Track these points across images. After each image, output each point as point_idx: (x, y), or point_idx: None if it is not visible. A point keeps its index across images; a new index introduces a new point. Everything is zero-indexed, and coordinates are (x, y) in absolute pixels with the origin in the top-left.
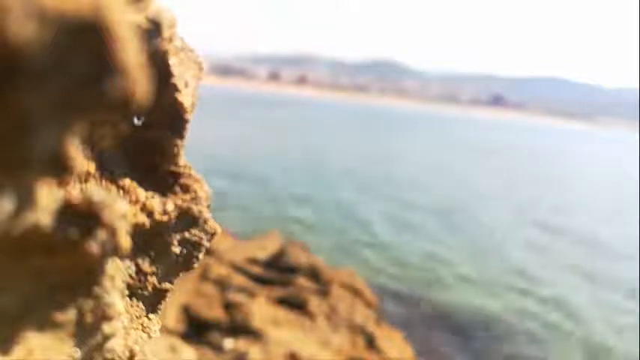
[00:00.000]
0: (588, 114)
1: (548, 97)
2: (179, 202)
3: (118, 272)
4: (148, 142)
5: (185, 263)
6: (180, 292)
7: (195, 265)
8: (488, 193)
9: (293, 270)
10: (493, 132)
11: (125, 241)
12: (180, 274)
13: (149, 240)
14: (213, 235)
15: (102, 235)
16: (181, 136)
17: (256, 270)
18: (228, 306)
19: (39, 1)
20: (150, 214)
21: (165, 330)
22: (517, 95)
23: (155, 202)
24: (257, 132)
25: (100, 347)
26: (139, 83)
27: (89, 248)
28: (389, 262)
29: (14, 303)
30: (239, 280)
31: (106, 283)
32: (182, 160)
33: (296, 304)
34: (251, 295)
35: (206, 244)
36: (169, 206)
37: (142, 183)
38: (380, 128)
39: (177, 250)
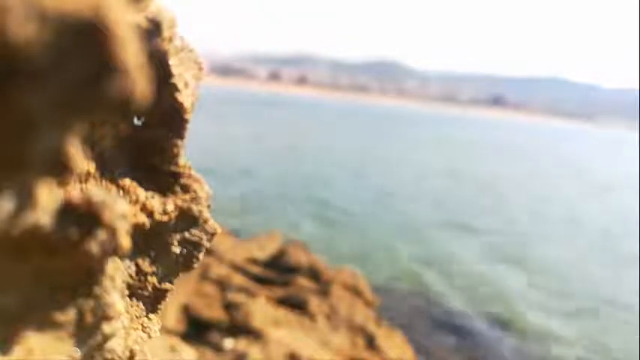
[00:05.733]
0: (588, 114)
1: (548, 97)
2: (179, 202)
3: (118, 272)
4: (148, 142)
5: (185, 263)
6: (180, 292)
7: (195, 265)
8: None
9: (293, 270)
10: (494, 131)
11: (125, 241)
12: (180, 274)
13: (149, 240)
14: (213, 235)
15: (102, 235)
16: (181, 136)
17: (256, 270)
18: (228, 306)
19: (39, 2)
20: (150, 214)
21: (165, 330)
22: (517, 95)
23: (155, 202)
24: (259, 132)
25: (100, 347)
26: (139, 83)
27: (89, 248)
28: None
29: (14, 303)
30: (239, 280)
31: (106, 283)
32: (182, 160)
33: (296, 304)
34: (251, 295)
35: (206, 244)
36: (169, 206)
37: (142, 183)
38: (380, 128)
39: (177, 250)
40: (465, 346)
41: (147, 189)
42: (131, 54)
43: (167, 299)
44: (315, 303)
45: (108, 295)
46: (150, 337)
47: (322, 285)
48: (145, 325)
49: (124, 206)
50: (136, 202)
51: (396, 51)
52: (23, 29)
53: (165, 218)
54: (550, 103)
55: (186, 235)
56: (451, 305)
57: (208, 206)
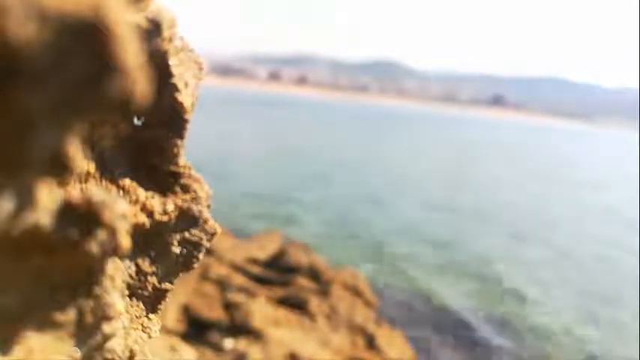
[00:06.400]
0: (588, 114)
1: (548, 97)
2: (179, 202)
3: (118, 272)
4: (148, 142)
5: (185, 263)
6: (180, 292)
7: (195, 265)
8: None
9: (293, 270)
10: (494, 131)
11: (125, 241)
12: (180, 274)
13: (149, 240)
14: (213, 235)
15: (102, 235)
16: (181, 136)
17: (256, 270)
18: (228, 306)
19: (39, 1)
20: (150, 214)
21: (165, 330)
22: (517, 95)
23: (155, 202)
24: (258, 132)
25: (100, 347)
26: (139, 83)
27: (89, 248)
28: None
29: (14, 303)
30: (239, 280)
31: (106, 283)
32: (182, 160)
33: (296, 304)
34: (251, 295)
35: (206, 244)
36: (169, 206)
37: (142, 183)
38: (380, 128)
39: (177, 250)
40: (464, 345)
41: (147, 189)
42: (131, 54)
43: (167, 299)
44: (315, 303)
45: (108, 295)
46: (150, 337)
47: (322, 285)
48: (145, 325)
49: (124, 206)
50: (136, 202)
51: (396, 51)
52: (23, 29)
53: (165, 218)
54: (550, 103)
55: (186, 235)
56: (451, 305)
57: (208, 206)
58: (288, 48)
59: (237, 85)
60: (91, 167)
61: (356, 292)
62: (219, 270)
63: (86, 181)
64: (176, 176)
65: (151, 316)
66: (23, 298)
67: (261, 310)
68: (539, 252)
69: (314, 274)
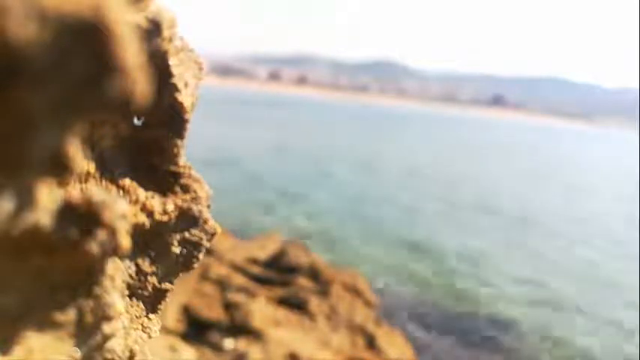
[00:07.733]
0: (588, 114)
1: (548, 97)
2: (179, 202)
3: (118, 272)
4: (148, 142)
5: (185, 263)
6: (180, 292)
7: (195, 265)
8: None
9: (293, 270)
10: (494, 131)
11: (125, 241)
12: (180, 274)
13: (149, 240)
14: (213, 235)
15: (102, 235)
16: (181, 136)
17: (256, 270)
18: (228, 306)
19: (39, 2)
20: (150, 214)
21: (165, 330)
22: (517, 95)
23: (155, 202)
24: (259, 131)
25: (100, 347)
26: (139, 83)
27: (89, 248)
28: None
29: (14, 303)
30: (239, 280)
31: (106, 283)
32: (182, 160)
33: (296, 304)
34: (251, 295)
35: (206, 244)
36: (169, 206)
37: (142, 183)
38: (380, 128)
39: (177, 250)
40: (464, 345)
41: (147, 189)
42: (131, 54)
43: (167, 299)
44: (315, 303)
45: (108, 295)
46: (150, 337)
47: (322, 285)
48: (145, 325)
49: (124, 206)
50: (136, 202)
51: (395, 51)
52: (23, 29)
53: (165, 218)
54: (550, 103)
55: (186, 235)
56: (451, 305)
57: (208, 206)
58: (288, 48)
59: (237, 85)
60: (91, 167)
61: (356, 292)
62: (219, 270)
63: (86, 181)
64: (176, 176)
65: (151, 316)
66: (23, 298)
67: (261, 310)
68: (538, 251)
69: (314, 274)
